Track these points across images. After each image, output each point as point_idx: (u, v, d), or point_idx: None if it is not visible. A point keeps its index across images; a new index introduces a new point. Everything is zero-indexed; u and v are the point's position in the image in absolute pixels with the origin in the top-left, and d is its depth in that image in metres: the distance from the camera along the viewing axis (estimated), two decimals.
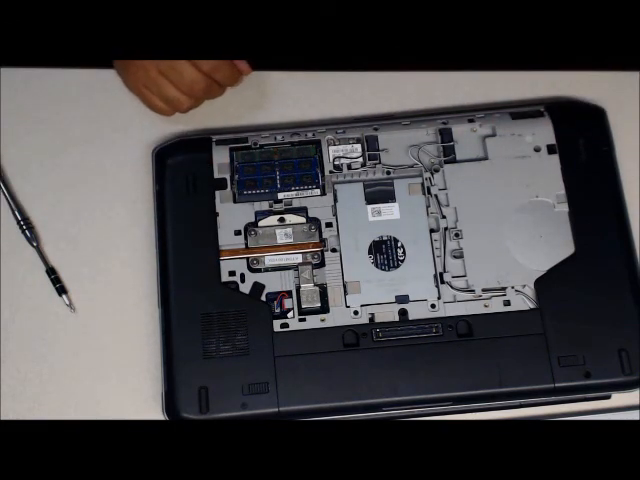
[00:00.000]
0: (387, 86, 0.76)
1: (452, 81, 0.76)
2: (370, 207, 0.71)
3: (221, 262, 0.69)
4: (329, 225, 0.70)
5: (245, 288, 0.68)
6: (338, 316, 0.68)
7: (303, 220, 0.70)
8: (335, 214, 0.70)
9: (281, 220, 0.70)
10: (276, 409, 0.65)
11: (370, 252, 0.69)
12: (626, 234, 0.69)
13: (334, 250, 0.69)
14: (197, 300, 0.68)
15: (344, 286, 0.68)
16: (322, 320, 0.67)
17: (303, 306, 0.68)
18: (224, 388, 0.65)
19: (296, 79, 0.75)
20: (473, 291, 0.68)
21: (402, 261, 0.69)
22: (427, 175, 0.71)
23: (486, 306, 0.68)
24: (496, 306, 0.68)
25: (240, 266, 0.69)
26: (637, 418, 0.68)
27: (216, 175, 0.71)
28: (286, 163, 0.72)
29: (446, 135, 0.72)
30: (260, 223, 0.70)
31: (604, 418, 0.68)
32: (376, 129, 0.72)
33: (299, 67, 0.76)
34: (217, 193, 0.71)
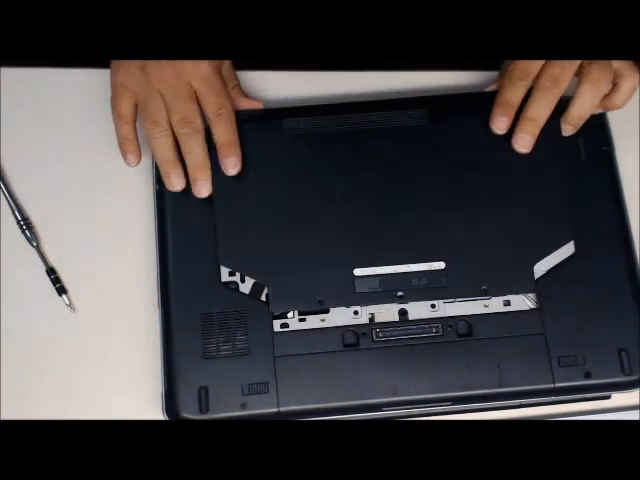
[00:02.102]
0: (387, 86, 0.76)
1: (452, 81, 0.76)
2: None
3: None
4: None
5: (245, 288, 0.68)
6: (338, 316, 0.68)
7: None
8: None
9: None
10: (276, 409, 0.65)
11: None
12: (626, 234, 0.69)
13: None
14: (197, 300, 0.68)
15: None
16: (322, 320, 0.67)
17: None
18: (224, 388, 0.65)
19: (295, 79, 0.75)
20: None
21: None
22: None
23: (486, 306, 0.68)
24: (496, 306, 0.68)
25: None
26: (637, 418, 0.68)
27: None
28: None
29: None
30: None
31: (604, 418, 0.68)
32: None
33: (298, 67, 0.75)
34: None
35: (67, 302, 0.71)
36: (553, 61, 0.67)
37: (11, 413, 0.68)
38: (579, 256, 0.68)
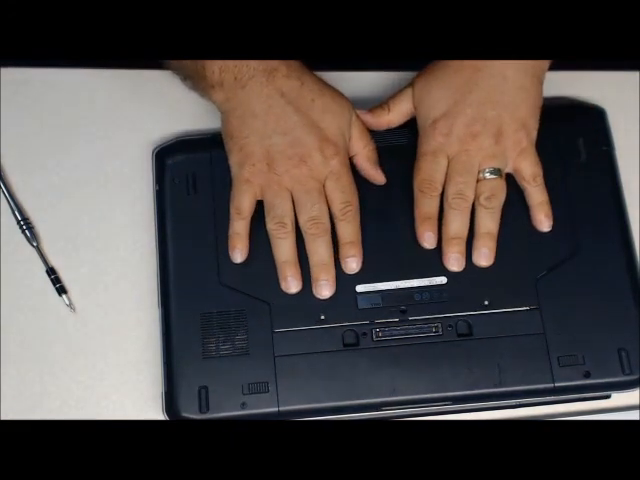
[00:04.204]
0: (388, 86, 0.76)
1: None
2: None
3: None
4: None
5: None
6: None
7: None
8: None
9: None
10: (276, 409, 0.65)
11: None
12: (626, 234, 0.69)
13: None
14: (197, 300, 0.68)
15: None
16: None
17: None
18: (224, 388, 0.66)
19: None
20: None
21: None
22: None
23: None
24: None
25: None
26: (637, 418, 0.68)
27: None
28: None
29: None
30: None
31: (604, 418, 0.68)
32: None
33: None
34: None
35: (67, 302, 0.71)
36: (455, 177, 0.67)
37: (11, 413, 0.69)
38: (579, 256, 0.68)
